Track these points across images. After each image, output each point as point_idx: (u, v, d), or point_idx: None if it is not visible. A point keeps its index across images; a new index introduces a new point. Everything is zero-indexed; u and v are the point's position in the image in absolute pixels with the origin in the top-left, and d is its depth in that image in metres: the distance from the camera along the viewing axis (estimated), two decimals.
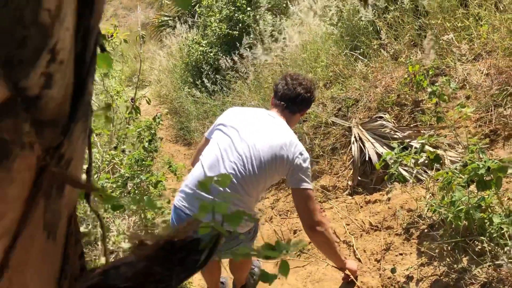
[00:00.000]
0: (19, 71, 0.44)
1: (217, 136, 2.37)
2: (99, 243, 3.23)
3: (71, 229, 0.70)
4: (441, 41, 4.35)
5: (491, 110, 3.51)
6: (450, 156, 3.28)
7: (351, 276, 2.85)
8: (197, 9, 9.10)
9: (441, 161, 2.69)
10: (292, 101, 2.45)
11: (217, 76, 7.14)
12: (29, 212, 0.54)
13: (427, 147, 2.92)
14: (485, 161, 2.13)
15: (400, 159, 2.69)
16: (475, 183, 2.22)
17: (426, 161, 3.12)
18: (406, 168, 3.38)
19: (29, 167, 0.51)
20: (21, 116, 0.47)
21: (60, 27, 0.47)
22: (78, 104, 0.57)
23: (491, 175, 2.15)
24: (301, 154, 2.28)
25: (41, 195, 0.55)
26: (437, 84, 3.09)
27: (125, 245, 3.27)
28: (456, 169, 2.41)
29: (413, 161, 2.83)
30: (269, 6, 6.55)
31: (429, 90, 2.77)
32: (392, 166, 2.76)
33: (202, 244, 0.75)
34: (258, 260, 3.52)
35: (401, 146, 2.91)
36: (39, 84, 0.47)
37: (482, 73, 3.88)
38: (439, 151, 3.00)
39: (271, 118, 2.41)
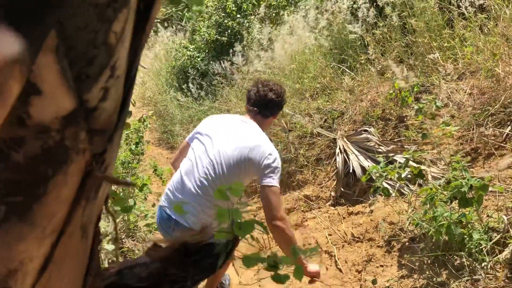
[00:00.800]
0: (84, 85, 0.49)
1: (194, 144, 2.57)
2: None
3: (97, 229, 0.74)
4: (426, 59, 4.47)
5: (473, 129, 3.62)
6: (433, 172, 3.38)
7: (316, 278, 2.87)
8: (186, 14, 9.14)
9: (425, 177, 2.77)
10: (264, 107, 2.61)
11: (203, 82, 7.19)
12: (73, 212, 0.58)
13: (410, 163, 3.01)
14: (468, 179, 2.22)
15: (386, 174, 2.77)
16: (457, 200, 2.31)
17: (409, 176, 3.22)
18: (389, 182, 3.46)
19: (79, 171, 0.56)
20: (81, 125, 0.51)
21: (121, 46, 0.52)
22: (121, 114, 0.61)
23: (473, 193, 2.24)
24: (270, 154, 2.40)
25: (84, 197, 0.60)
26: (423, 101, 3.18)
27: (109, 246, 3.28)
28: (439, 185, 2.49)
29: (397, 175, 2.92)
30: (264, 15, 6.61)
31: (416, 107, 2.86)
32: (378, 180, 2.83)
33: (217, 248, 0.80)
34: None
35: (386, 161, 2.99)
36: (98, 97, 0.52)
37: (465, 92, 4.00)
38: (423, 167, 3.09)
39: (243, 123, 2.58)
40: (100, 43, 0.48)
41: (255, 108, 2.61)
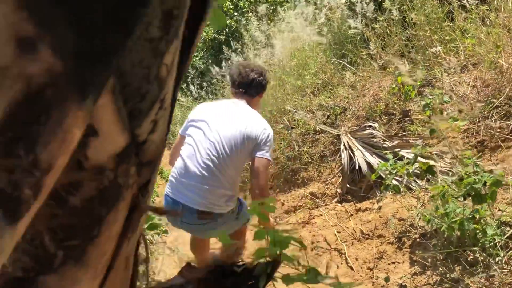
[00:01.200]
0: (136, 120, 0.47)
1: (191, 131, 2.65)
2: None
3: (136, 257, 0.72)
4: (427, 52, 4.46)
5: (478, 122, 3.61)
6: (440, 166, 3.36)
7: None
8: None
9: (435, 174, 2.76)
10: (249, 86, 2.71)
11: (203, 81, 7.16)
12: (120, 246, 0.57)
13: (419, 158, 2.99)
14: (481, 176, 2.21)
15: (395, 171, 2.76)
16: (470, 197, 2.30)
17: (417, 171, 3.20)
18: (397, 178, 3.45)
19: (127, 205, 0.54)
20: (132, 160, 0.50)
21: (170, 77, 0.50)
22: (164, 141, 0.59)
23: (486, 189, 2.23)
24: (264, 129, 2.56)
25: (130, 230, 0.58)
26: (430, 97, 3.17)
27: None
28: (452, 182, 2.48)
29: (406, 172, 2.91)
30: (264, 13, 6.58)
31: (423, 102, 2.84)
32: (387, 178, 2.82)
33: (257, 269, 0.78)
34: None
35: (395, 158, 2.98)
36: (148, 130, 0.50)
37: (468, 84, 3.99)
38: (431, 162, 3.07)
39: (234, 104, 2.70)
40: (152, 77, 0.46)
41: (240, 89, 2.73)
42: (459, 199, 2.44)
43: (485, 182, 2.19)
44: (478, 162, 2.41)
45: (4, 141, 0.33)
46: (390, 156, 3.14)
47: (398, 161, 3.05)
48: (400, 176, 3.23)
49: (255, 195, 2.58)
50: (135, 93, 0.45)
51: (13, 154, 0.34)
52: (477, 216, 2.42)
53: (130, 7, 0.36)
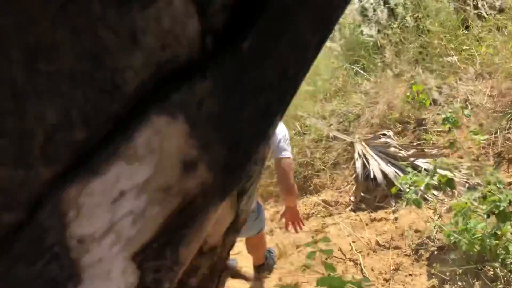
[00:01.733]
0: (241, 197, 0.49)
1: None
2: None
3: None
4: (441, 60, 4.46)
5: (496, 133, 3.60)
6: (458, 178, 3.36)
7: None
8: None
9: (455, 188, 2.77)
10: None
11: None
12: None
13: (438, 170, 3.00)
14: (506, 195, 2.21)
15: (415, 185, 2.77)
16: (494, 214, 2.31)
17: (435, 182, 3.21)
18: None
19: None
20: (233, 231, 0.51)
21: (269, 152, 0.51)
22: None
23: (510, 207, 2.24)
24: (282, 128, 2.68)
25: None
26: (450, 110, 3.17)
27: None
28: (474, 199, 2.49)
29: (425, 184, 2.92)
30: None
31: (443, 116, 2.85)
32: (408, 190, 2.83)
33: None
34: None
35: (415, 172, 2.99)
36: (245, 202, 0.52)
37: (484, 94, 3.98)
38: (450, 174, 3.08)
39: None
40: (259, 159, 0.47)
41: None
42: (481, 216, 2.45)
43: (510, 201, 2.19)
44: (501, 179, 2.41)
45: (157, 247, 0.35)
46: (409, 169, 3.15)
47: (417, 173, 3.06)
48: (420, 190, 3.24)
49: (284, 195, 2.76)
50: (245, 175, 0.46)
51: (162, 257, 0.36)
52: (499, 233, 2.42)
53: (271, 118, 0.38)
